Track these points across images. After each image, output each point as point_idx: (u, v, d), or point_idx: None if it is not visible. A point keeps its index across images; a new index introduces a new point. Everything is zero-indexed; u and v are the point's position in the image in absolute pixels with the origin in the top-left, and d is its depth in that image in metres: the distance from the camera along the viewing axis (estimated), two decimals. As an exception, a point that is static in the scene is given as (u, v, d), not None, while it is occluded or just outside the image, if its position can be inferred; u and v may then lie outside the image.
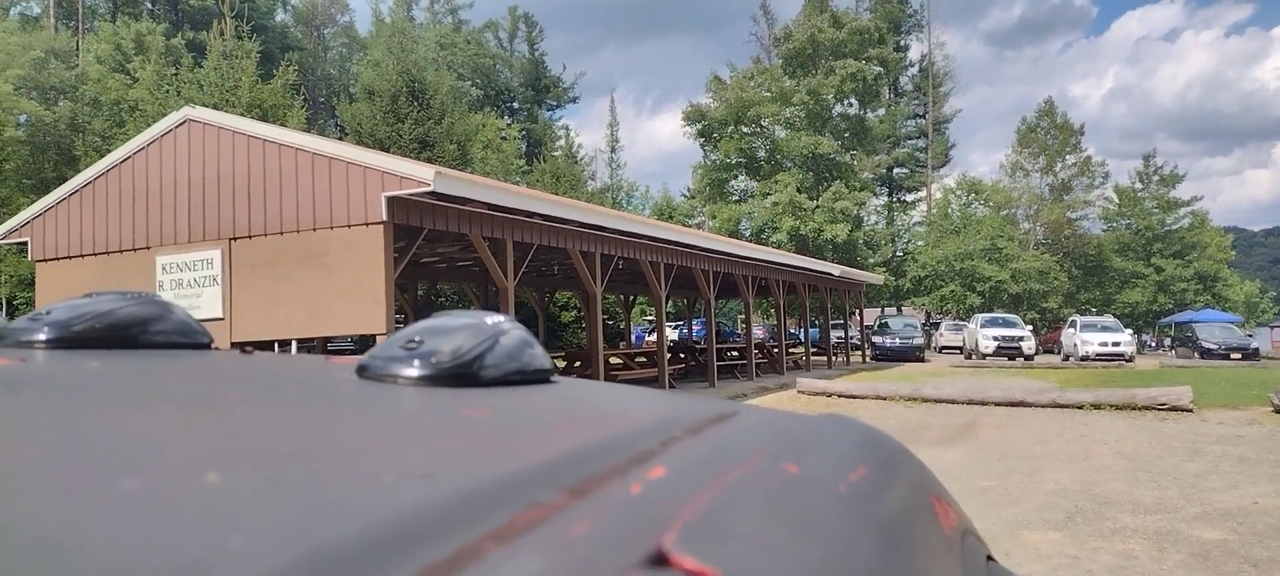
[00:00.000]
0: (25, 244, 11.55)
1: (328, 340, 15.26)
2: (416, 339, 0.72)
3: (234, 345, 10.37)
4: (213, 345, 0.98)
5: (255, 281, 10.18)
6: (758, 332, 39.42)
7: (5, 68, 36.54)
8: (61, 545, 0.30)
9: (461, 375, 0.69)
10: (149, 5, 50.95)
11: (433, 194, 9.80)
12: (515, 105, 66.13)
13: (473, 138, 34.73)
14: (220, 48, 22.47)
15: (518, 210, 11.49)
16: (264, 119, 17.91)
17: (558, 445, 0.54)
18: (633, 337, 32.98)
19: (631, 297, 29.97)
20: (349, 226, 9.79)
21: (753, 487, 0.50)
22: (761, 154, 46.33)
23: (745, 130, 45.81)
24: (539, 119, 66.79)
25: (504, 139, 44.61)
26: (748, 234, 43.51)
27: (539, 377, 0.76)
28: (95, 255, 11.12)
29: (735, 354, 22.69)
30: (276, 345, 10.74)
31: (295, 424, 0.59)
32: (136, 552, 0.30)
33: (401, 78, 27.69)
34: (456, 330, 0.72)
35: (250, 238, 10.24)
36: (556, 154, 48.65)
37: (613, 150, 76.93)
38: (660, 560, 0.35)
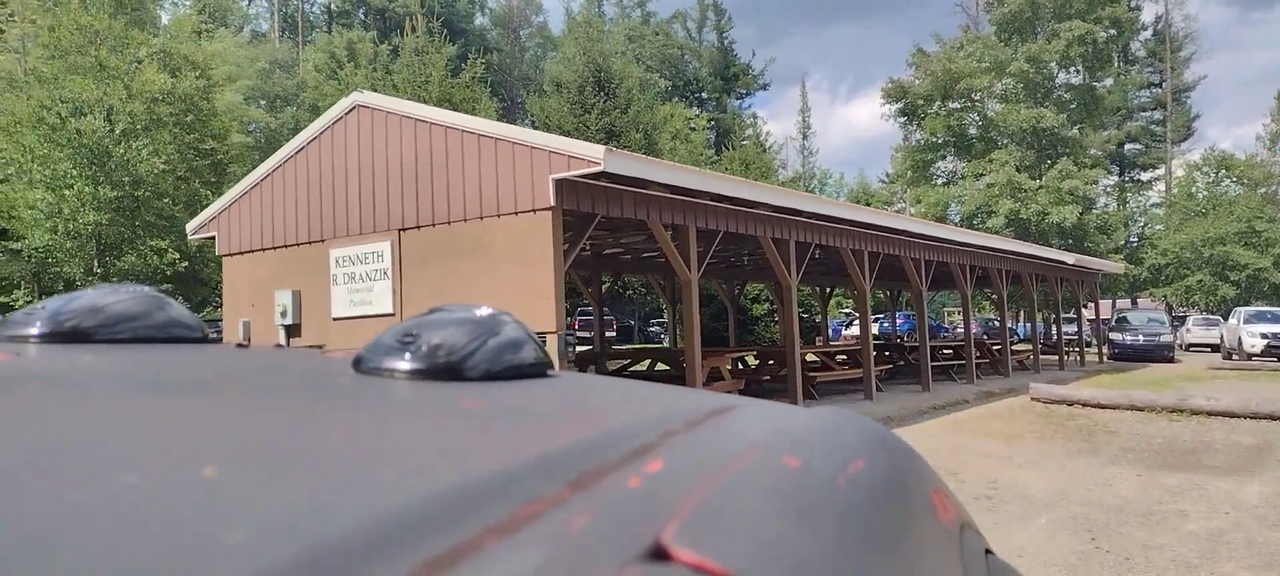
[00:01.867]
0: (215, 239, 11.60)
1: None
2: (413, 333, 0.72)
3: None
4: (212, 340, 0.98)
5: (424, 275, 9.46)
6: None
7: (236, 79, 39.98)
8: (57, 542, 0.30)
9: (458, 369, 0.69)
10: (360, 16, 54.43)
11: (604, 175, 8.64)
12: (703, 96, 65.15)
13: (660, 128, 33.98)
14: (412, 44, 22.82)
15: (700, 192, 10.12)
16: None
17: (556, 439, 0.54)
18: (829, 333, 30.85)
19: (828, 289, 27.88)
20: (515, 214, 8.83)
21: (752, 481, 0.50)
22: (972, 131, 42.38)
23: (953, 105, 42.05)
24: (728, 108, 65.46)
25: (692, 130, 43.61)
26: (957, 219, 39.88)
27: (536, 371, 0.77)
28: (275, 249, 10.92)
29: (949, 352, 20.21)
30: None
31: (293, 418, 0.59)
32: (132, 549, 0.30)
33: (588, 68, 27.24)
34: (453, 324, 0.73)
35: (418, 228, 9.54)
36: (745, 142, 47.13)
37: (804, 137, 74.26)
38: (659, 554, 0.35)
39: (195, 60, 26.92)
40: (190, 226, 11.95)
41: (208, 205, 13.30)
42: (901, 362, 19.22)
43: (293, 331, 10.46)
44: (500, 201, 8.91)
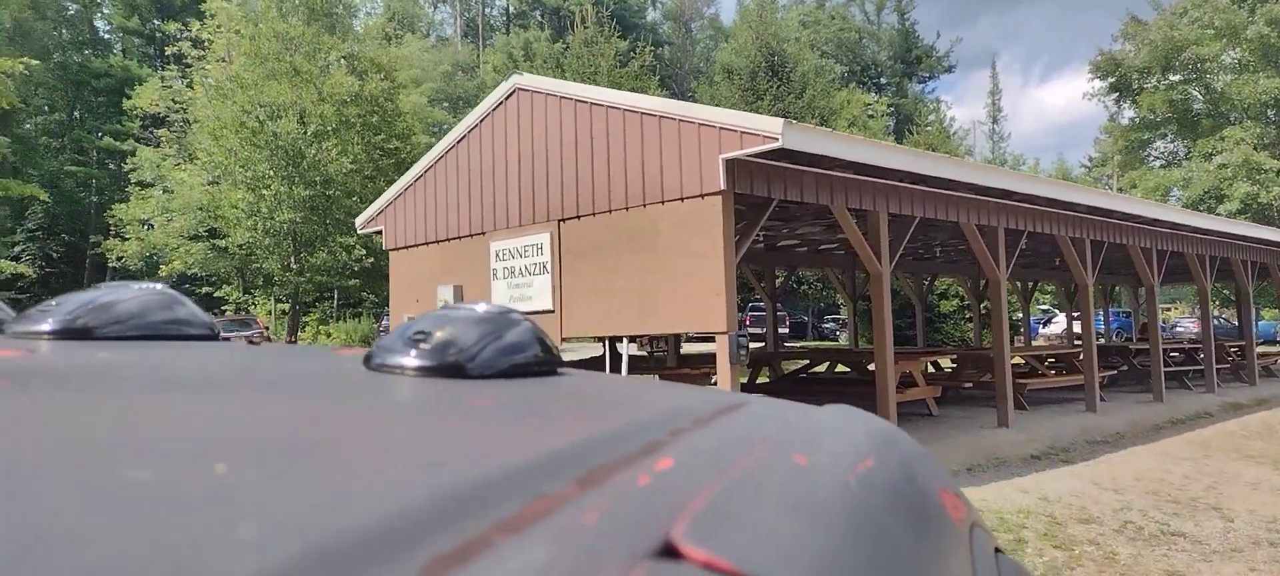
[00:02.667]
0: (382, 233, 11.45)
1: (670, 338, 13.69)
2: (424, 330, 0.72)
3: (565, 341, 9.02)
4: (221, 337, 0.98)
5: (583, 269, 8.73)
6: (1190, 326, 31.78)
7: (420, 83, 41.72)
8: (68, 539, 0.30)
9: (468, 367, 0.69)
10: (537, 17, 55.65)
11: (782, 153, 7.53)
12: (882, 80, 62.06)
13: (837, 114, 32.20)
14: (582, 35, 22.50)
15: (892, 172, 8.78)
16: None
17: (565, 436, 0.54)
18: (1028, 333, 27.97)
19: (1030, 284, 25.18)
20: (681, 199, 7.89)
21: (761, 479, 0.50)
22: (1198, 106, 37.47)
23: (1175, 78, 37.32)
24: (909, 93, 62.05)
25: (871, 116, 41.27)
26: (1181, 204, 35.34)
27: (546, 369, 0.77)
28: (438, 243, 10.57)
29: (1176, 355, 17.45)
30: (605, 344, 9.26)
31: (302, 415, 0.59)
32: (143, 545, 0.30)
33: (760, 53, 26.01)
34: (464, 322, 0.73)
35: (578, 218, 8.82)
36: (928, 128, 44.22)
37: (994, 121, 69.16)
38: (669, 551, 0.35)
39: (380, 63, 27.92)
40: (359, 221, 11.87)
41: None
42: (1124, 367, 16.75)
43: (454, 327, 10.06)
44: (665, 186, 8.00)
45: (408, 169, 27.44)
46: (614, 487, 0.42)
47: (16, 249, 41.54)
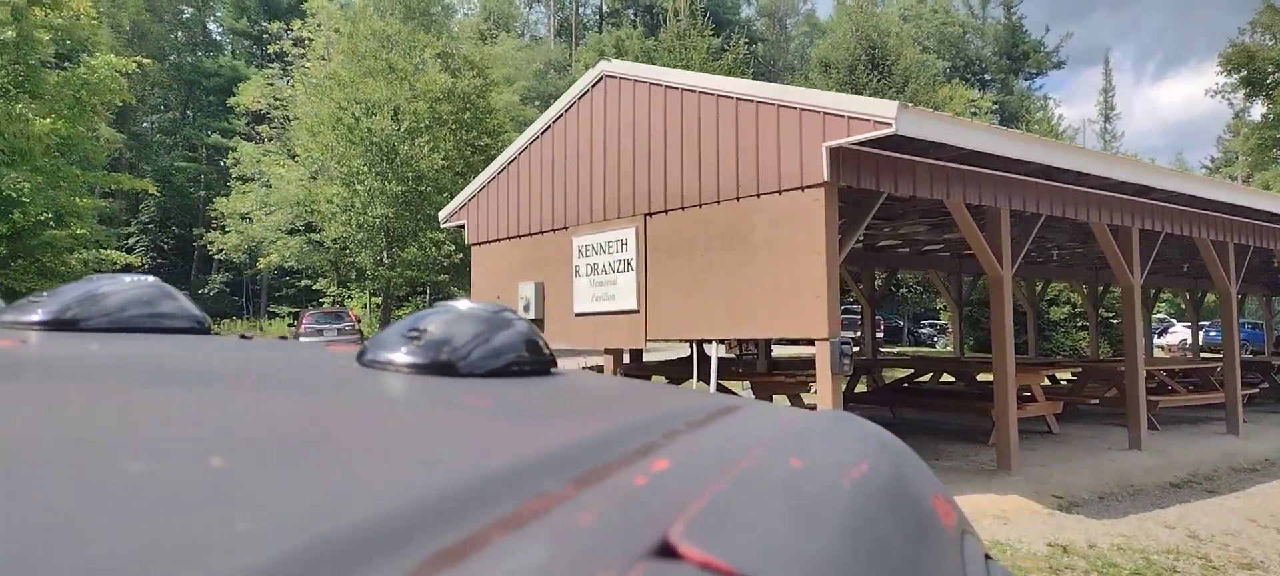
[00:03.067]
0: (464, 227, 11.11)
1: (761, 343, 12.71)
2: (419, 327, 0.72)
3: (650, 342, 8.47)
4: (214, 331, 0.98)
5: (671, 266, 8.14)
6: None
7: (513, 81, 41.96)
8: (61, 532, 0.29)
9: (463, 365, 0.69)
10: (630, 15, 55.43)
11: (892, 141, 6.77)
12: (986, 76, 59.50)
13: (940, 110, 30.73)
14: (674, 29, 21.94)
15: (1016, 164, 7.87)
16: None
17: (562, 436, 0.54)
18: (1148, 343, 25.96)
19: (1152, 291, 23.32)
20: (778, 192, 7.21)
21: (758, 481, 0.50)
22: (1344, 100, 34.36)
23: (1317, 71, 34.32)
24: (1015, 89, 59.37)
25: (975, 112, 39.41)
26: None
27: (542, 368, 0.77)
28: (519, 238, 10.15)
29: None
30: (693, 347, 8.67)
31: (299, 411, 0.59)
32: (139, 540, 0.30)
33: (859, 45, 24.93)
34: (460, 319, 0.73)
35: (666, 212, 8.23)
36: (1035, 126, 42.03)
37: (1106, 119, 65.50)
38: (666, 551, 0.35)
39: (473, 61, 28.01)
40: (443, 215, 11.56)
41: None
42: (1263, 385, 15.17)
43: (536, 327, 9.62)
44: (761, 178, 7.34)
45: (498, 166, 27.47)
46: (611, 487, 0.42)
47: (131, 241, 43.69)
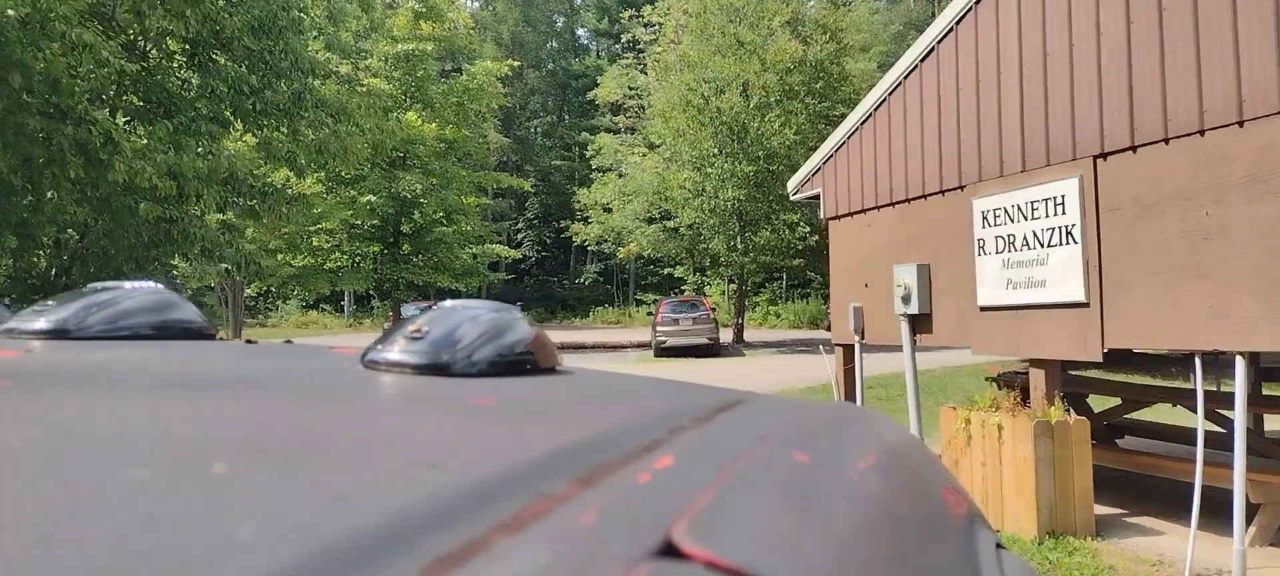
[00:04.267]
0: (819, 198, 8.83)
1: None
2: (422, 328, 0.72)
3: (1109, 351, 5.57)
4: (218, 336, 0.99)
5: (1145, 235, 5.20)
6: None
7: (869, 48, 38.56)
8: (66, 539, 0.30)
9: (466, 365, 0.69)
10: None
11: None
12: None
13: None
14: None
15: None
16: None
17: (565, 435, 0.54)
18: None
19: None
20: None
21: (762, 476, 0.50)
22: None
23: None
24: None
25: None
26: None
27: (545, 367, 0.77)
28: (892, 206, 7.65)
29: None
30: (1196, 364, 5.63)
31: (303, 415, 0.59)
32: (143, 546, 0.30)
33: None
34: (462, 320, 0.73)
35: (1133, 150, 5.28)
36: None
37: None
38: (669, 550, 0.35)
39: (825, 23, 25.67)
40: (791, 185, 9.39)
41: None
42: None
43: (919, 324, 7.06)
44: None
45: (857, 136, 24.87)
46: (614, 486, 0.42)
47: (519, 236, 47.91)
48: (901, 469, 0.63)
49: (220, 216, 8.89)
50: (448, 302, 0.76)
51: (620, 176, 27.24)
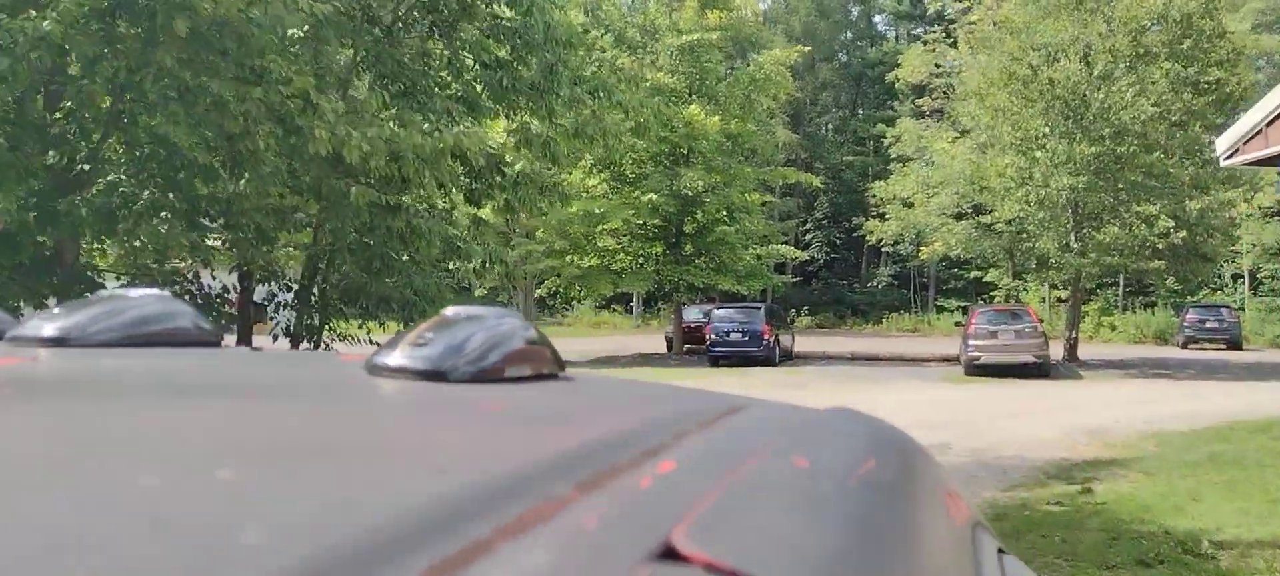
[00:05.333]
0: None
1: None
2: (427, 335, 0.72)
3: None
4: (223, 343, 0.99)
5: None
6: None
7: (1239, 6, 31.42)
8: (75, 544, 0.30)
9: (471, 371, 0.69)
10: None
11: None
12: None
13: None
14: None
15: None
16: None
17: (568, 440, 0.54)
18: None
19: None
20: None
21: (763, 481, 0.50)
22: None
23: None
24: None
25: None
26: None
27: (549, 373, 0.77)
28: None
29: None
30: None
31: (308, 420, 0.60)
32: (151, 550, 0.30)
33: None
34: (466, 326, 0.73)
35: None
36: None
37: None
38: (670, 554, 0.35)
39: (1194, -32, 20.75)
40: (1222, 143, 6.43)
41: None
42: None
43: None
44: None
45: (1235, 108, 19.72)
46: (616, 490, 0.42)
47: (807, 236, 45.66)
48: (903, 473, 0.63)
49: (470, 210, 7.89)
50: (451, 309, 0.76)
51: (927, 165, 24.10)
